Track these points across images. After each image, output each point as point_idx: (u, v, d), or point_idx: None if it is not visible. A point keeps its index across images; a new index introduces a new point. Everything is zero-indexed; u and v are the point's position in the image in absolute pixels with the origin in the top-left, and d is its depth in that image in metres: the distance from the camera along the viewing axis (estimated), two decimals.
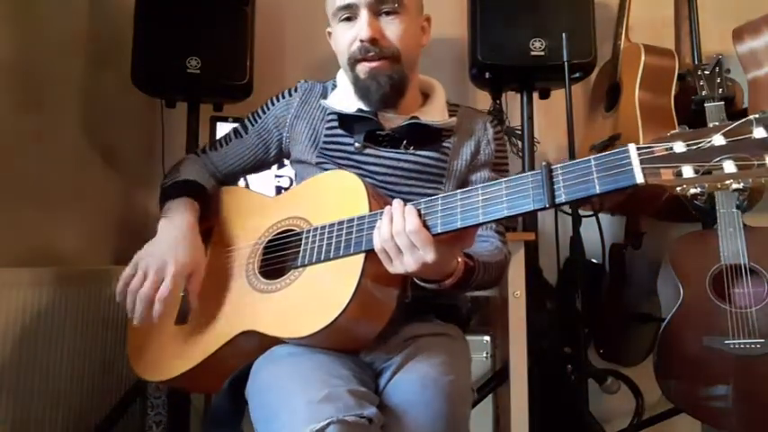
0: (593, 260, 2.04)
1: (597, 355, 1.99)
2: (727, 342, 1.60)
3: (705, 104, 1.73)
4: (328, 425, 0.76)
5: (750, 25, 1.80)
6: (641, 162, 0.70)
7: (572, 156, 1.75)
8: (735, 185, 0.68)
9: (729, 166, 0.67)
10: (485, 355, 1.79)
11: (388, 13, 1.06)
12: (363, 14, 1.05)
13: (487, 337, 1.81)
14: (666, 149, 0.70)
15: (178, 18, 1.74)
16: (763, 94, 1.75)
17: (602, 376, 1.86)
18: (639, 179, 0.70)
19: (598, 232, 2.00)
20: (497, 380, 1.74)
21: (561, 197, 0.76)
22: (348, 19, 1.07)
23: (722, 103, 1.71)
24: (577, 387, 1.73)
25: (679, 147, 0.70)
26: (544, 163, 0.79)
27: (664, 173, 0.70)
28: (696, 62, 1.98)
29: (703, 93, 1.74)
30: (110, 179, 1.96)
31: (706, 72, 1.75)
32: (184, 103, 1.88)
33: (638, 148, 0.71)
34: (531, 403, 1.62)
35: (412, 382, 0.92)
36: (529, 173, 0.80)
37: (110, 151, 1.94)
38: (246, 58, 1.77)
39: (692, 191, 0.69)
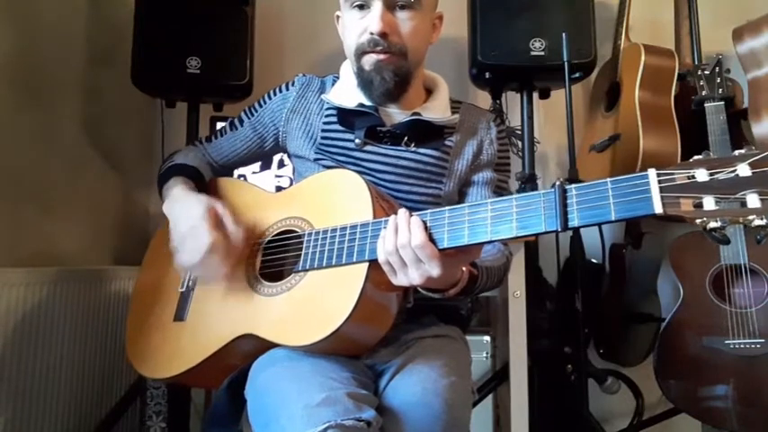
0: (593, 260, 2.04)
1: (597, 355, 1.99)
2: (727, 342, 1.60)
3: (705, 104, 1.73)
4: (326, 429, 0.76)
5: (750, 25, 1.80)
6: (661, 190, 0.67)
7: (572, 156, 1.75)
8: (757, 221, 0.63)
9: (753, 201, 0.63)
10: (485, 355, 1.80)
11: (402, 8, 1.04)
12: (377, 6, 1.02)
13: (487, 337, 1.81)
14: (688, 177, 0.67)
15: (178, 18, 1.74)
16: (764, 94, 1.75)
17: (602, 376, 1.86)
18: (658, 209, 0.67)
19: (598, 232, 2.00)
20: (497, 380, 1.75)
21: (574, 221, 0.73)
22: (361, 7, 1.05)
23: (722, 103, 1.71)
24: (577, 387, 1.72)
25: (701, 175, 0.66)
26: (558, 182, 0.75)
27: (683, 203, 0.66)
28: (696, 62, 1.98)
29: (703, 93, 1.74)
30: (110, 179, 1.96)
31: (706, 72, 1.75)
32: (184, 103, 1.88)
33: (659, 174, 0.68)
34: (531, 403, 1.62)
35: (412, 384, 0.92)
36: (541, 191, 0.77)
37: (110, 151, 1.94)
38: (246, 58, 1.77)
39: (712, 224, 0.65)
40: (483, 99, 2.00)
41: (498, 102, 1.92)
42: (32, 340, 1.43)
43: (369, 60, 1.05)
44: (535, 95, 1.93)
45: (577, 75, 1.75)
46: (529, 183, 1.80)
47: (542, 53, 1.73)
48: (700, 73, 1.76)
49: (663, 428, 1.91)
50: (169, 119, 2.01)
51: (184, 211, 1.03)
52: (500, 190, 1.16)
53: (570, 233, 1.85)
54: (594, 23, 1.77)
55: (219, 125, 1.88)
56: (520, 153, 1.90)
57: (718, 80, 1.73)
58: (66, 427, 1.54)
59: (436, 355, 0.99)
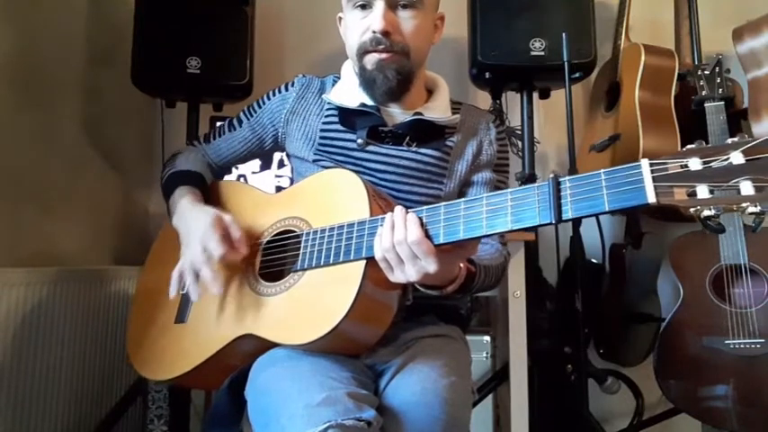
0: (593, 260, 2.04)
1: (597, 355, 1.99)
2: (727, 342, 1.60)
3: (705, 104, 1.73)
4: (327, 429, 0.76)
5: (750, 25, 1.80)
6: (654, 180, 0.67)
7: (572, 156, 1.75)
8: (751, 209, 0.63)
9: (747, 188, 0.63)
10: (485, 355, 1.80)
11: (404, 7, 1.04)
12: (379, 5, 1.02)
13: (487, 337, 1.81)
14: (681, 166, 0.67)
15: (178, 18, 1.74)
16: (764, 94, 1.75)
17: (602, 376, 1.86)
18: (651, 198, 0.67)
19: (598, 232, 2.00)
20: (497, 380, 1.75)
21: (568, 213, 0.73)
22: (363, 7, 1.05)
23: (722, 103, 1.71)
24: (577, 387, 1.73)
25: (694, 164, 0.66)
26: (552, 175, 0.76)
27: (677, 192, 0.66)
28: (696, 62, 1.98)
29: (703, 93, 1.74)
30: (110, 179, 1.96)
31: (706, 72, 1.75)
32: (184, 103, 1.88)
33: (652, 164, 0.68)
34: (531, 403, 1.62)
35: (412, 383, 0.92)
36: (535, 185, 0.77)
37: (110, 151, 1.94)
38: (246, 58, 1.77)
39: (706, 212, 0.65)
40: (483, 99, 2.00)
41: (498, 102, 1.92)
42: (32, 340, 1.43)
43: (371, 59, 1.05)
44: (535, 95, 1.93)
45: (577, 75, 1.75)
46: (529, 183, 1.80)
47: (542, 53, 1.73)
48: (700, 73, 1.76)
49: (663, 428, 1.91)
50: (169, 119, 2.01)
51: (193, 222, 1.04)
52: (499, 190, 1.16)
53: (570, 233, 1.85)
54: (594, 23, 1.77)
55: (219, 125, 1.88)
56: (520, 153, 1.90)
57: (718, 80, 1.73)
58: (66, 427, 1.54)
59: (436, 354, 0.99)
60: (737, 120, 1.83)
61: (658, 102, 1.84)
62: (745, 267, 1.64)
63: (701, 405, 1.63)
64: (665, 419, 1.86)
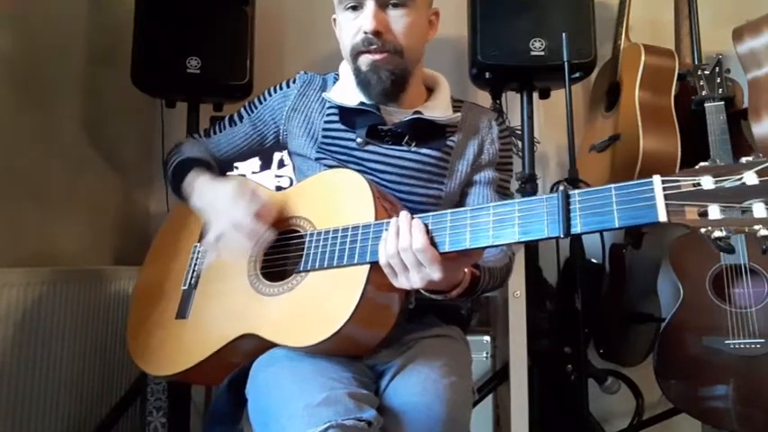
0: (593, 260, 2.04)
1: (597, 355, 1.99)
2: (727, 342, 1.60)
3: (705, 104, 1.73)
4: (327, 429, 0.76)
5: (750, 25, 1.80)
6: (666, 198, 0.66)
7: (572, 156, 1.75)
8: (763, 231, 0.62)
9: (760, 210, 0.61)
10: (485, 355, 1.79)
11: (395, 6, 1.03)
12: (369, 5, 1.02)
13: (487, 337, 1.81)
14: (694, 184, 0.65)
15: (178, 18, 1.74)
16: (764, 94, 1.75)
17: (602, 376, 1.86)
18: (663, 217, 0.65)
19: (598, 232, 2.00)
20: (497, 380, 1.75)
21: (577, 228, 0.72)
22: (354, 8, 1.04)
23: (722, 103, 1.71)
24: (577, 387, 1.72)
25: (707, 182, 0.65)
26: (561, 188, 0.75)
27: (688, 211, 0.64)
28: (696, 62, 1.98)
29: (703, 93, 1.74)
30: (110, 179, 1.96)
31: (706, 72, 1.75)
32: (184, 103, 1.88)
33: (664, 181, 0.67)
34: (531, 403, 1.62)
35: (413, 384, 0.92)
36: (544, 196, 0.76)
37: (110, 151, 1.94)
38: (246, 58, 1.77)
39: (717, 233, 0.64)
40: (483, 99, 2.00)
41: (498, 102, 1.92)
42: (32, 340, 1.43)
43: (365, 61, 1.05)
44: (535, 95, 1.93)
45: (577, 75, 1.75)
46: (529, 183, 1.80)
47: (542, 53, 1.73)
48: (700, 73, 1.76)
49: (663, 428, 1.91)
50: (169, 119, 2.02)
51: (219, 191, 1.04)
52: (502, 190, 1.15)
53: None
54: (594, 23, 1.77)
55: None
56: (520, 153, 1.90)
57: (718, 80, 1.73)
58: (67, 426, 1.54)
59: (436, 355, 0.99)
60: (737, 120, 1.83)
61: (658, 102, 1.84)
62: (745, 267, 1.64)
63: (701, 405, 1.63)
64: (665, 419, 1.86)
